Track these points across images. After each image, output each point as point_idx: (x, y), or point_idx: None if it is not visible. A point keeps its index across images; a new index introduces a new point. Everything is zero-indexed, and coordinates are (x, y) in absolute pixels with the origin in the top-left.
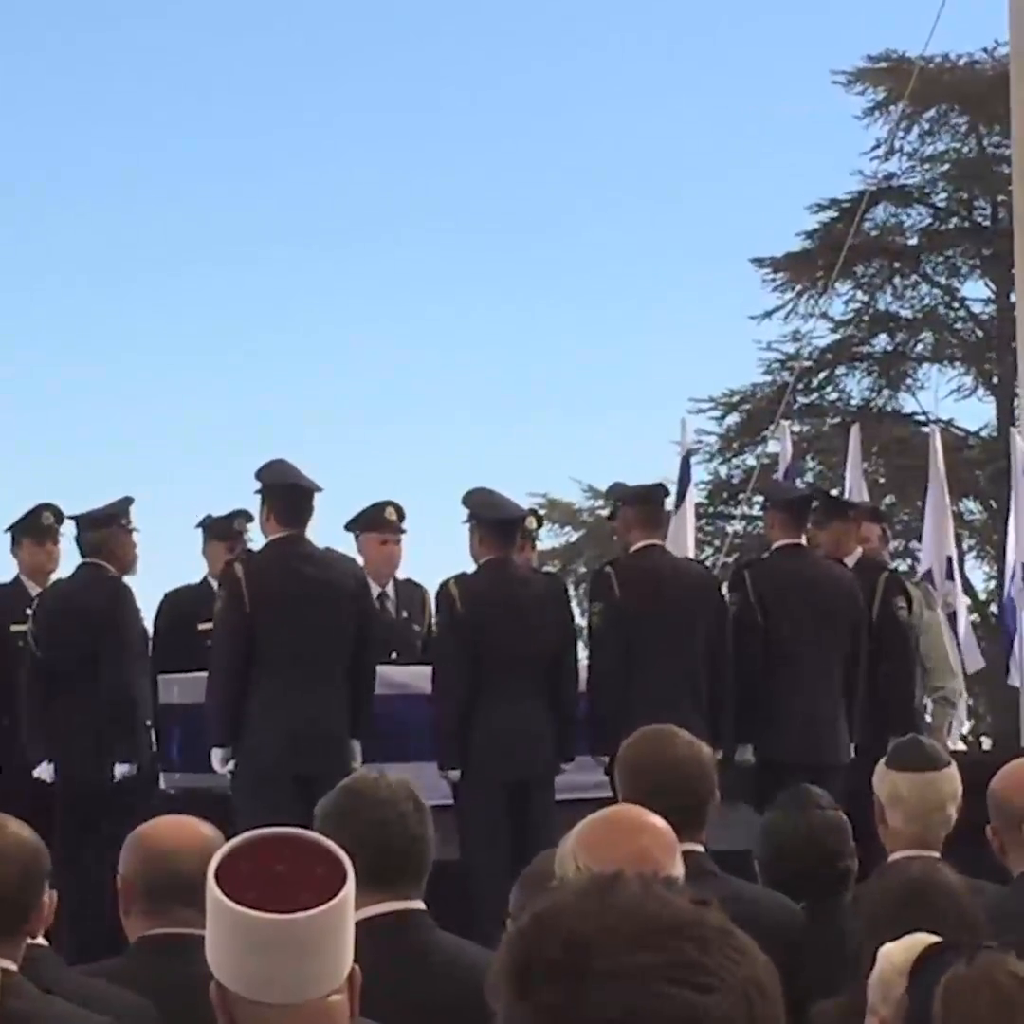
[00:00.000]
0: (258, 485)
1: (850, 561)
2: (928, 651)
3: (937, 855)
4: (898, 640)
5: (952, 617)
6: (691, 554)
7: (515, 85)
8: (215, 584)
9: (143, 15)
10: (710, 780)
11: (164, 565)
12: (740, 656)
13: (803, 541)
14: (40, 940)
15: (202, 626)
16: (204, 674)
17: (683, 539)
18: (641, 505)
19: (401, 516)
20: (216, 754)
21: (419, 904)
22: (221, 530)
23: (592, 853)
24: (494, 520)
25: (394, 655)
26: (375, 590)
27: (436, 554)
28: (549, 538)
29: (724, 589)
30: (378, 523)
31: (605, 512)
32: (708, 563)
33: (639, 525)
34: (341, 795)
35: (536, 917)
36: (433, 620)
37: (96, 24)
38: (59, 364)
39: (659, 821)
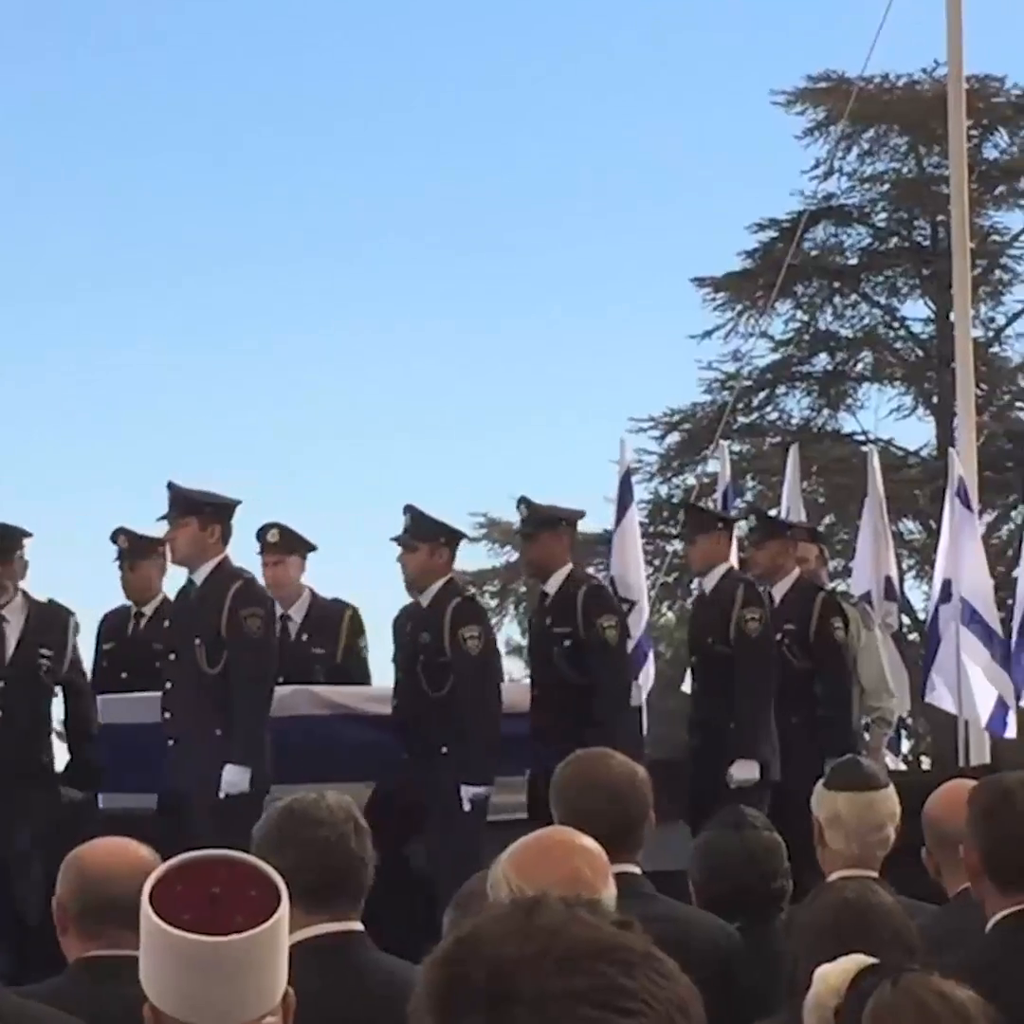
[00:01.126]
0: (192, 502)
1: (788, 581)
2: (865, 671)
3: (875, 875)
4: (835, 660)
5: (894, 637)
6: (642, 573)
7: (453, 104)
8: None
9: (144, 16)
10: (644, 801)
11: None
12: (762, 673)
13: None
14: None
15: (105, 646)
16: (129, 695)
17: (631, 558)
18: (577, 528)
19: (284, 537)
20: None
21: (357, 925)
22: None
23: (524, 875)
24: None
25: (281, 680)
26: (279, 611)
27: (371, 572)
28: (489, 557)
29: None
30: (261, 546)
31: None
32: (649, 583)
33: (571, 547)
34: (280, 816)
35: (459, 941)
36: (355, 640)
37: (96, 25)
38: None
39: (590, 843)
